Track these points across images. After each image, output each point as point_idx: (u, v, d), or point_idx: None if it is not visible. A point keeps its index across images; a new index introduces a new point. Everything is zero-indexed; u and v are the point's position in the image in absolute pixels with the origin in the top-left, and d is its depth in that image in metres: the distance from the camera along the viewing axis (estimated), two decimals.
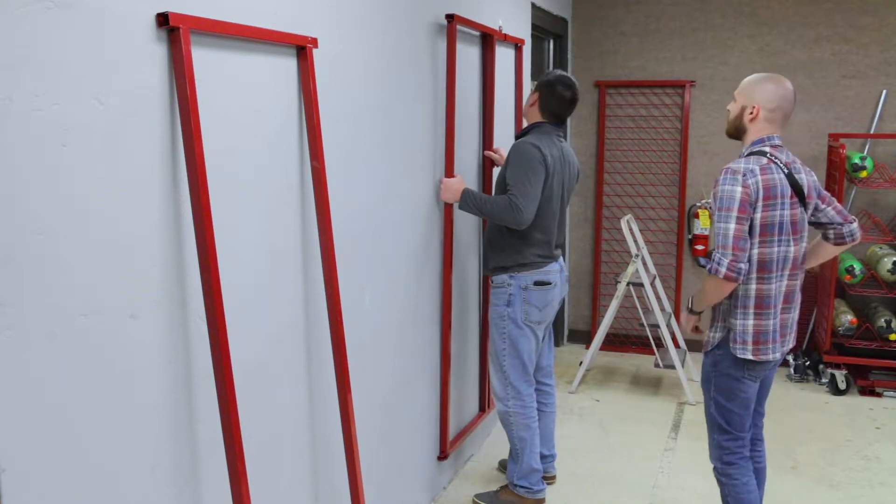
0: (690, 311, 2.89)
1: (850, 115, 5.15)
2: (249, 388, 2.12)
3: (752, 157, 2.65)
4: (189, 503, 1.93)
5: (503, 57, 4.09)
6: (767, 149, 2.66)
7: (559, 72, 3.37)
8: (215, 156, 1.93)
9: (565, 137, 3.43)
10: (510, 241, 3.27)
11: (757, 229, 2.60)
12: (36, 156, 1.48)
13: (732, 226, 2.56)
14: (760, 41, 5.24)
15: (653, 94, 5.50)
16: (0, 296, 1.42)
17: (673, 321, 5.14)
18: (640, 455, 4.00)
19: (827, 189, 5.08)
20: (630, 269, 4.74)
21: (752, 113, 2.69)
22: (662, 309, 4.93)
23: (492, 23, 3.87)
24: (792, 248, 2.66)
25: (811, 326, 5.25)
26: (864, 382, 4.83)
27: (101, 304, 1.64)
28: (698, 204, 5.46)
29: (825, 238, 2.85)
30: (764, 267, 2.63)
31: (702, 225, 5.42)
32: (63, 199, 1.54)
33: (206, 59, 1.90)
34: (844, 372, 4.82)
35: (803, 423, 4.42)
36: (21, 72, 1.44)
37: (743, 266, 2.57)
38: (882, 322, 4.75)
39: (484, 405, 4.02)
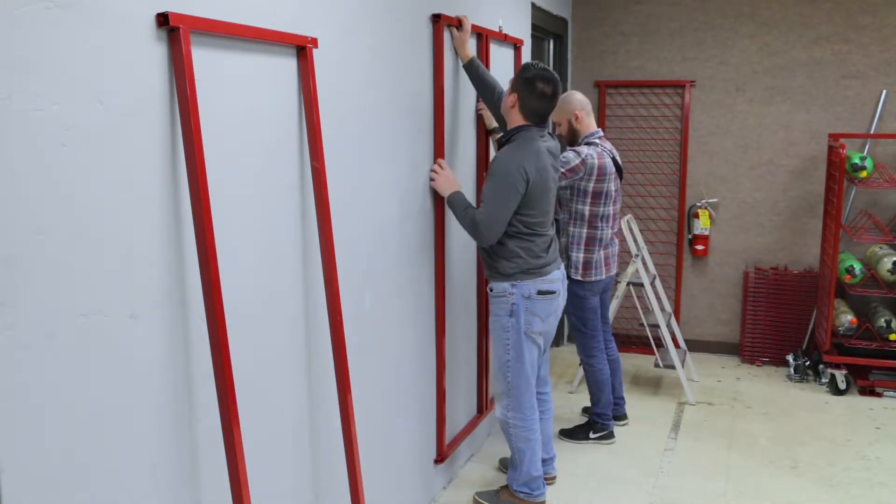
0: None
1: (850, 115, 5.15)
2: (249, 388, 2.11)
3: (588, 145, 3.78)
4: (189, 503, 1.93)
5: (502, 57, 4.09)
6: (597, 141, 3.81)
7: (536, 66, 3.13)
8: (215, 156, 1.93)
9: (552, 133, 3.36)
10: (510, 246, 3.16)
11: (590, 195, 3.76)
12: (36, 156, 1.48)
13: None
14: (760, 41, 5.24)
15: (653, 94, 5.50)
16: (0, 296, 1.42)
17: (673, 321, 5.14)
18: (640, 455, 4.00)
19: (827, 189, 5.09)
20: (630, 269, 4.74)
21: (576, 118, 3.82)
22: (662, 309, 4.93)
23: (491, 23, 3.87)
24: (611, 208, 3.85)
25: (811, 326, 5.26)
26: (864, 382, 4.83)
27: (101, 304, 1.64)
28: (698, 204, 5.46)
29: None
30: (594, 219, 3.81)
31: (702, 225, 5.42)
32: (63, 199, 1.54)
33: (206, 59, 1.90)
34: (844, 372, 4.82)
35: (803, 423, 4.41)
36: (21, 72, 1.44)
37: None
38: (882, 322, 4.74)
39: (482, 406, 4.02)
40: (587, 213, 3.82)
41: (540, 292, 3.21)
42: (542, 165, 3.11)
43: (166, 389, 1.83)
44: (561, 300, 3.32)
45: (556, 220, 4.02)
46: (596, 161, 3.70)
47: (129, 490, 1.74)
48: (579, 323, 4.01)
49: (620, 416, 4.32)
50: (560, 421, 4.26)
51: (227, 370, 1.87)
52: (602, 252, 3.89)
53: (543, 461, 3.54)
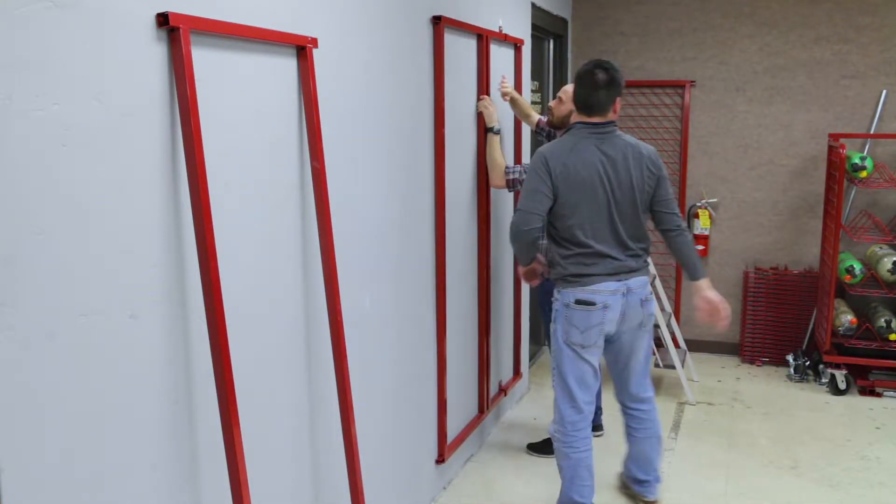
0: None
1: (850, 115, 5.15)
2: (249, 388, 2.11)
3: None
4: (189, 503, 1.93)
5: (503, 57, 4.09)
6: None
7: (589, 62, 3.08)
8: (215, 156, 1.94)
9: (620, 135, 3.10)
10: (553, 251, 3.11)
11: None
12: (36, 156, 1.48)
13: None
14: (760, 41, 5.24)
15: (653, 94, 5.50)
16: (0, 296, 1.42)
17: (673, 321, 5.13)
18: None
19: (827, 189, 5.09)
20: None
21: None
22: (662, 309, 4.92)
23: (491, 23, 3.87)
24: None
25: (811, 326, 5.26)
26: (864, 382, 4.83)
27: (101, 304, 1.64)
28: (698, 204, 5.46)
29: None
30: None
31: (702, 225, 5.42)
32: (63, 199, 1.54)
33: (206, 59, 1.90)
34: (844, 372, 4.81)
35: (803, 423, 4.41)
36: (21, 72, 1.44)
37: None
38: (882, 322, 4.74)
39: (483, 406, 4.02)
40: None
41: (577, 301, 3.02)
42: (587, 161, 2.97)
43: (166, 389, 1.83)
44: (611, 315, 3.04)
45: None
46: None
47: (129, 490, 1.74)
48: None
49: (596, 427, 4.09)
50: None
51: (227, 370, 1.87)
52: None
53: (639, 482, 3.41)
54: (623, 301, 3.06)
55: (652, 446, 3.40)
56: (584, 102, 3.02)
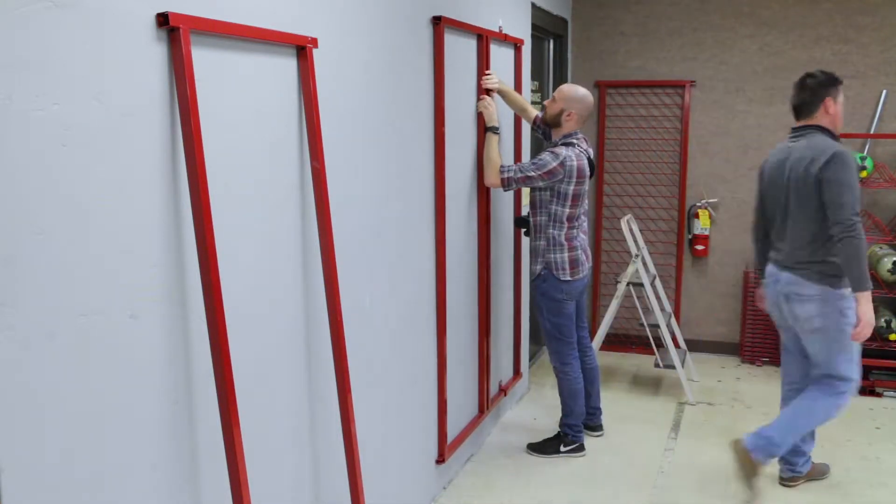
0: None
1: (850, 115, 5.14)
2: (249, 388, 2.12)
3: (567, 146, 3.67)
4: (189, 503, 1.93)
5: (503, 57, 4.09)
6: (575, 142, 3.70)
7: None
8: (215, 156, 1.94)
9: (816, 133, 3.32)
10: None
11: (570, 197, 3.66)
12: (36, 156, 1.48)
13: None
14: (760, 41, 5.24)
15: (653, 94, 5.50)
16: (0, 296, 1.42)
17: (673, 321, 5.13)
18: (640, 455, 4.00)
19: None
20: (630, 269, 4.74)
21: (569, 115, 3.68)
22: (662, 309, 4.93)
23: (491, 23, 3.87)
24: (584, 207, 3.83)
25: None
26: (864, 382, 4.82)
27: (101, 304, 1.64)
28: (698, 204, 5.46)
29: None
30: (571, 220, 3.72)
31: (702, 225, 5.42)
32: (63, 199, 1.54)
33: (206, 59, 1.90)
34: None
35: None
36: (21, 72, 1.44)
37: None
38: (882, 322, 4.74)
39: (483, 406, 4.02)
40: (566, 214, 3.70)
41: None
42: (778, 158, 3.35)
43: (166, 389, 1.83)
44: (769, 294, 3.47)
45: (526, 221, 3.93)
46: (575, 163, 3.60)
47: (129, 490, 1.74)
48: (554, 329, 3.84)
49: (595, 427, 4.19)
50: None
51: (227, 370, 1.87)
52: (581, 250, 3.79)
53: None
54: (774, 289, 3.44)
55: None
56: (791, 106, 3.39)
